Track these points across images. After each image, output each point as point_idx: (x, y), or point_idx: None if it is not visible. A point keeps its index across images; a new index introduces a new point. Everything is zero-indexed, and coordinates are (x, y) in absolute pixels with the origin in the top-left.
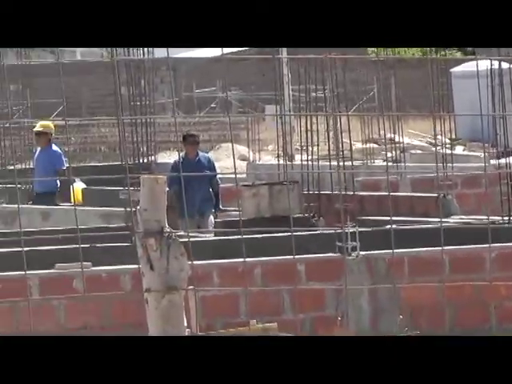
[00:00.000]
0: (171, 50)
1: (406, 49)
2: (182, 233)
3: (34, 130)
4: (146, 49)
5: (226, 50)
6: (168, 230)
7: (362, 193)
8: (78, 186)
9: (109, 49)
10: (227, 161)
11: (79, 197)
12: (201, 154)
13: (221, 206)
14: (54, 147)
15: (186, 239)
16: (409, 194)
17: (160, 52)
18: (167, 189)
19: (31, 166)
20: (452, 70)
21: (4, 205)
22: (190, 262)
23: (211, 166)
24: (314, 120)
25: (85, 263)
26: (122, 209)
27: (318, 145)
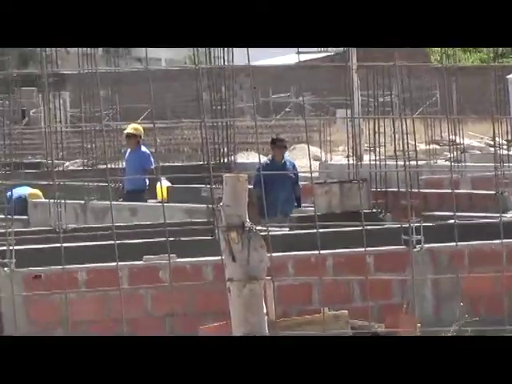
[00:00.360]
0: (250, 57)
1: (467, 57)
2: (260, 227)
3: (125, 132)
4: (226, 57)
5: (302, 58)
6: (249, 224)
7: (425, 190)
8: (164, 184)
9: (192, 57)
10: (302, 160)
11: (165, 194)
12: (286, 158)
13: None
14: (143, 148)
15: (265, 233)
16: (469, 191)
17: (239, 60)
18: (250, 187)
19: (121, 166)
20: (508, 76)
21: (96, 201)
22: (268, 254)
23: (296, 172)
24: (381, 123)
25: (170, 255)
26: (205, 205)
27: (384, 146)
